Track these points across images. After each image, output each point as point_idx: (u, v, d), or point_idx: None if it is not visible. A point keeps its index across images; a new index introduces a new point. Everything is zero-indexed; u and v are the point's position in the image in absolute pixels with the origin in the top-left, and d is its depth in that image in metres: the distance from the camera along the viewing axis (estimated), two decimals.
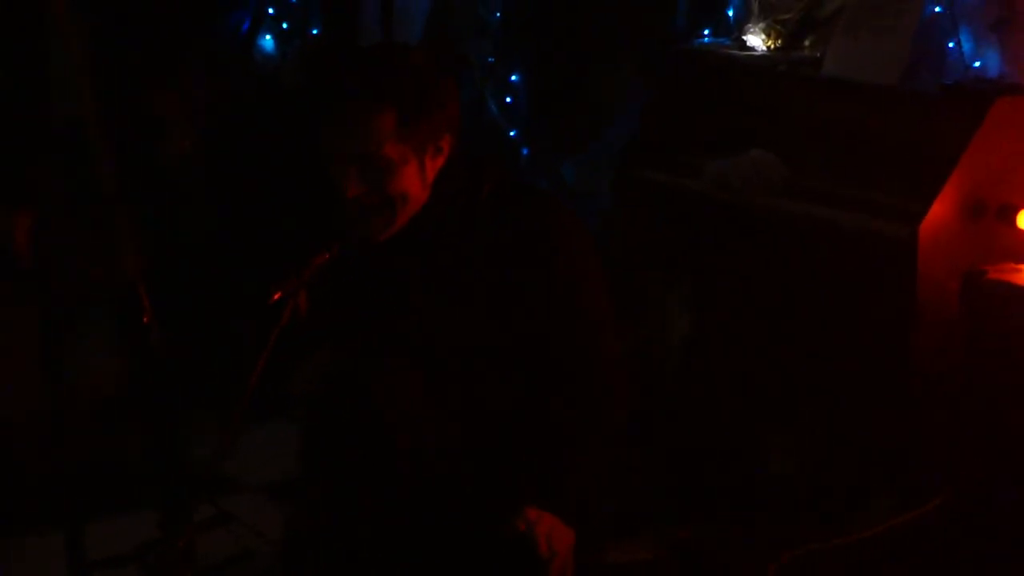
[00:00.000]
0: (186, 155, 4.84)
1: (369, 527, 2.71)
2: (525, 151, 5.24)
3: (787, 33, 4.22)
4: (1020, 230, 3.52)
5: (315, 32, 5.36)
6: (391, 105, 2.61)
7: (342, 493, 2.73)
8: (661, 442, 3.90)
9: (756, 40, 4.27)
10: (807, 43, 4.19)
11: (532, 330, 2.71)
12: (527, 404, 2.73)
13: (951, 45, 3.85)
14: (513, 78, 5.24)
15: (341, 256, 2.71)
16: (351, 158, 2.63)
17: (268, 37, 5.42)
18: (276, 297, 2.64)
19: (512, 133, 5.24)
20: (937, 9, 3.87)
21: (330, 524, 2.76)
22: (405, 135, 2.63)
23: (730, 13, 4.48)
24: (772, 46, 4.24)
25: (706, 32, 4.56)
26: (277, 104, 5.22)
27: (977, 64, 3.81)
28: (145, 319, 3.44)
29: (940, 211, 3.48)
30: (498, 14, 5.28)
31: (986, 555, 3.34)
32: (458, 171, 2.74)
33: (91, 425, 3.90)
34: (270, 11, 5.42)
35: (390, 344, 2.76)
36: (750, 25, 4.30)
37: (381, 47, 3.31)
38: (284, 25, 5.42)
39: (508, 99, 5.24)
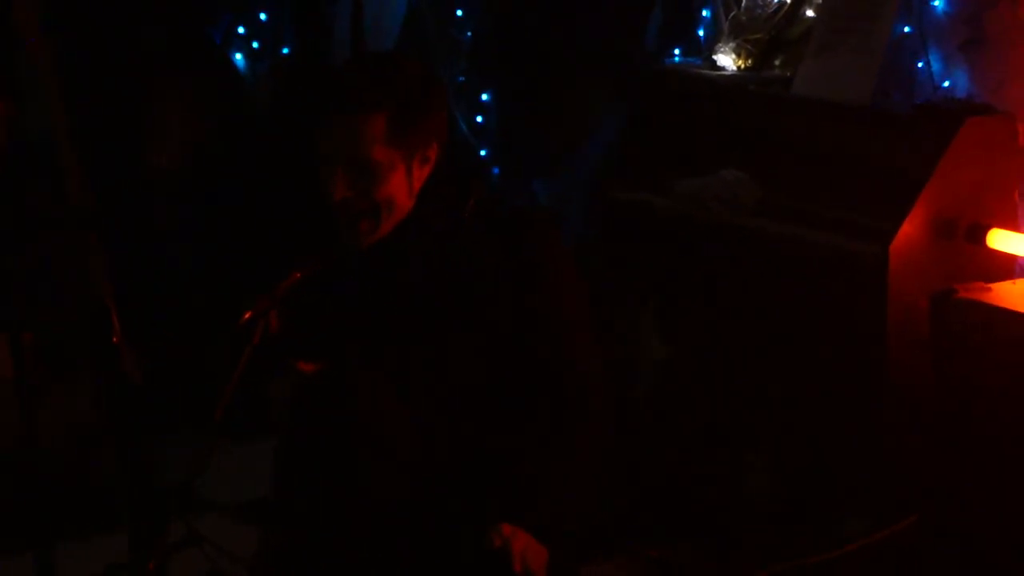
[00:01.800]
0: (167, 171, 4.82)
1: (342, 545, 2.70)
2: (496, 170, 5.24)
3: (757, 53, 4.23)
4: (989, 250, 3.54)
5: (285, 51, 5.35)
6: (383, 109, 2.64)
7: (315, 511, 2.72)
8: (636, 461, 3.90)
9: (727, 60, 4.29)
10: (777, 63, 4.20)
11: (511, 346, 2.71)
12: (505, 420, 2.73)
13: (920, 65, 3.87)
14: (484, 97, 5.25)
15: (317, 270, 2.72)
16: (340, 160, 2.65)
17: (239, 56, 5.40)
18: (246, 316, 2.66)
19: (483, 152, 5.24)
20: (906, 29, 3.89)
21: (303, 543, 2.74)
22: (395, 140, 2.66)
23: (700, 33, 4.49)
24: (742, 66, 4.25)
25: (677, 52, 4.56)
26: (250, 122, 5.21)
27: (946, 84, 3.83)
28: (115, 340, 3.42)
29: (910, 230, 3.50)
30: (469, 33, 5.28)
31: (960, 572, 3.35)
32: (444, 183, 2.76)
33: (62, 446, 3.87)
34: (240, 30, 5.41)
35: (367, 355, 2.76)
36: (720, 45, 4.31)
37: (375, 54, 3.33)
38: (255, 44, 5.41)
39: (479, 118, 5.24)
